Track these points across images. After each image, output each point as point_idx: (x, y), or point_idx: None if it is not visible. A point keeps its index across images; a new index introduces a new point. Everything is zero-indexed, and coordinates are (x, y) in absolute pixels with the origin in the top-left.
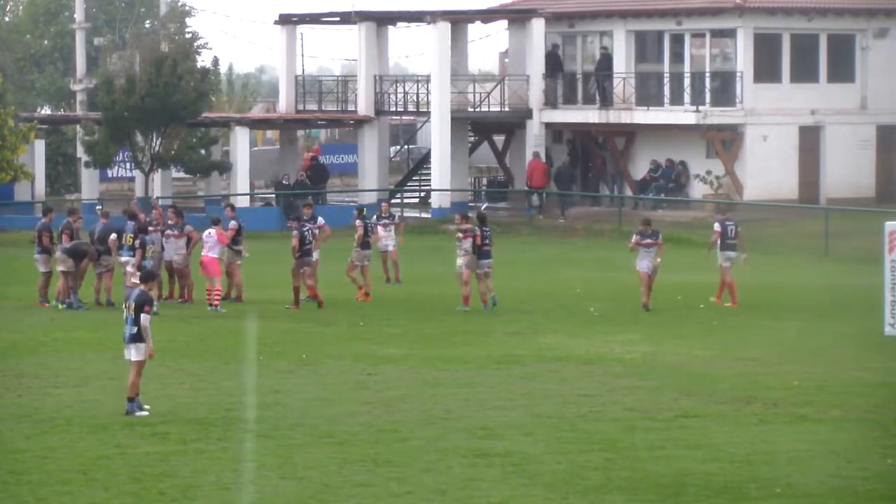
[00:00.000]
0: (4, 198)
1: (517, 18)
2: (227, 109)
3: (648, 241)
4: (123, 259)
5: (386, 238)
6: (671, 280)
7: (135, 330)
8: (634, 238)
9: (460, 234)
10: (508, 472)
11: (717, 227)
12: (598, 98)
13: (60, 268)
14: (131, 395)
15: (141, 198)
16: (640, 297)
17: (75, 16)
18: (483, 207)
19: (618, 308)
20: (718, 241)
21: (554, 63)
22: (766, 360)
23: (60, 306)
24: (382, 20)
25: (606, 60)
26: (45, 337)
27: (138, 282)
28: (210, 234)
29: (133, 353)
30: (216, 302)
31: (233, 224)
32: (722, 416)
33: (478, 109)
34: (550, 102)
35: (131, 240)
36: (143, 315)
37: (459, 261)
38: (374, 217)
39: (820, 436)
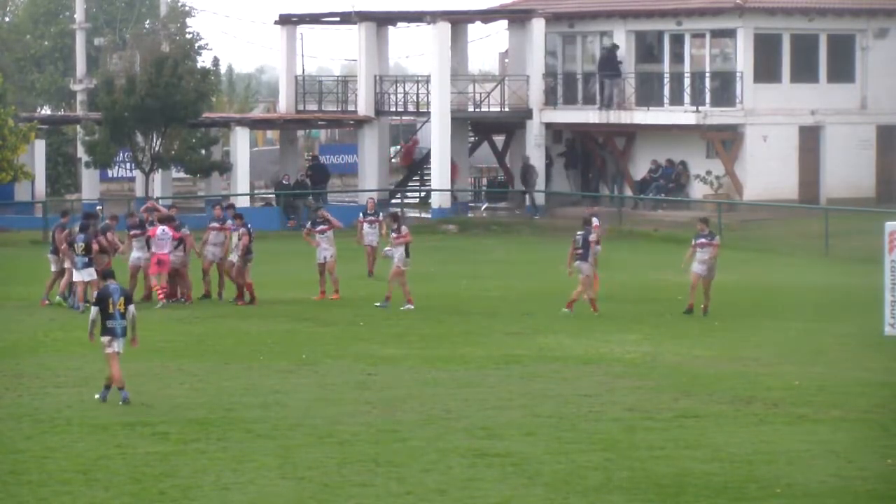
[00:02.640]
0: (4, 198)
1: (517, 18)
2: (228, 110)
3: (703, 240)
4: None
5: (371, 234)
6: (671, 280)
7: (124, 323)
8: (693, 241)
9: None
10: (508, 472)
11: (595, 221)
12: (598, 98)
13: (67, 264)
14: (123, 384)
15: (140, 198)
16: (687, 299)
17: (75, 16)
18: (483, 208)
19: (618, 308)
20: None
21: (612, 64)
22: (766, 360)
23: (58, 300)
24: (382, 20)
25: (610, 60)
26: (45, 337)
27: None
28: (164, 231)
29: (121, 346)
30: (161, 297)
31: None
32: (722, 416)
33: (478, 109)
34: (618, 103)
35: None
36: (131, 307)
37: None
38: (361, 214)
39: (820, 436)
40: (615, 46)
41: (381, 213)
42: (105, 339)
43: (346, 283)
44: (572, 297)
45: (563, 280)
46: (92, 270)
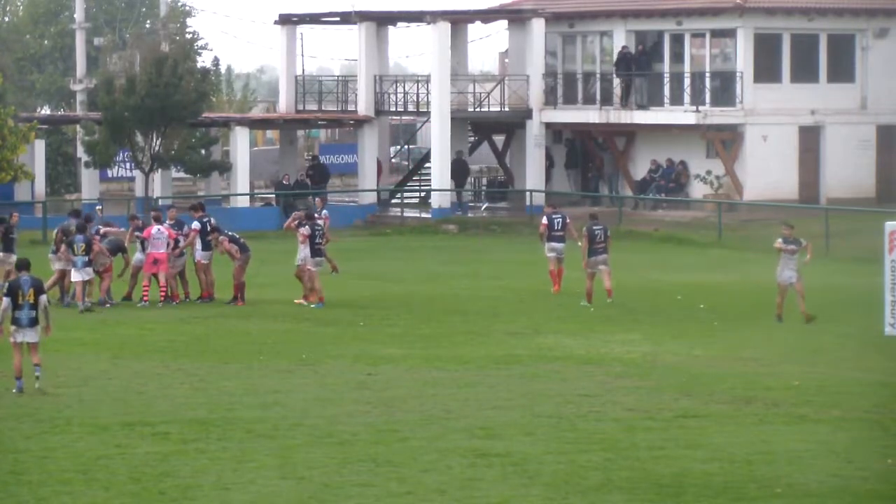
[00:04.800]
0: (4, 198)
1: (517, 18)
2: (228, 110)
3: (792, 247)
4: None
5: None
6: (671, 280)
7: (33, 314)
8: (780, 243)
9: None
10: (508, 472)
11: (544, 220)
12: (604, 98)
13: (58, 265)
14: (21, 374)
15: (140, 198)
16: (774, 307)
17: (75, 16)
18: (483, 208)
19: (618, 308)
20: (546, 233)
21: (627, 64)
22: (766, 360)
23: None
24: (382, 20)
25: (625, 60)
26: (45, 337)
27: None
28: (160, 230)
29: (33, 335)
30: (162, 297)
31: (195, 225)
32: (722, 416)
33: (478, 109)
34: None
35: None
36: (42, 297)
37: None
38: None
39: (820, 436)
40: (625, 48)
41: (326, 211)
42: (12, 328)
43: (345, 283)
44: (598, 290)
45: (561, 280)
46: (91, 270)
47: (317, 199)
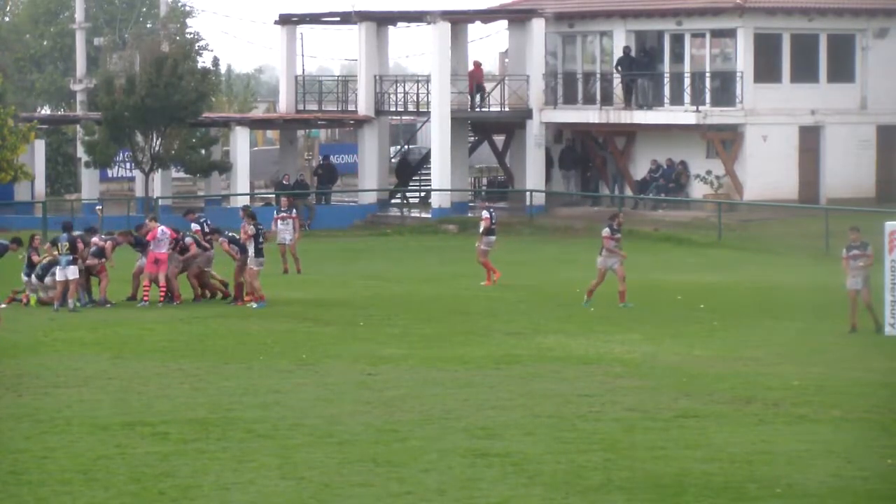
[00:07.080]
0: (4, 198)
1: (517, 18)
2: (228, 110)
3: (856, 252)
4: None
5: (284, 231)
6: (671, 280)
7: None
8: (844, 253)
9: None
10: (508, 472)
11: (485, 214)
12: (604, 98)
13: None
14: None
15: (141, 198)
16: (848, 317)
17: (75, 16)
18: None
19: (618, 308)
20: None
21: (629, 64)
22: (766, 360)
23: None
24: (382, 20)
25: (627, 60)
26: (45, 337)
27: None
28: (163, 231)
29: None
30: (162, 297)
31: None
32: (722, 416)
33: (478, 109)
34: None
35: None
36: None
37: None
38: (275, 211)
39: (820, 436)
40: (627, 48)
41: (294, 210)
42: None
43: (345, 283)
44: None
45: (561, 280)
46: (75, 269)
47: (283, 198)
